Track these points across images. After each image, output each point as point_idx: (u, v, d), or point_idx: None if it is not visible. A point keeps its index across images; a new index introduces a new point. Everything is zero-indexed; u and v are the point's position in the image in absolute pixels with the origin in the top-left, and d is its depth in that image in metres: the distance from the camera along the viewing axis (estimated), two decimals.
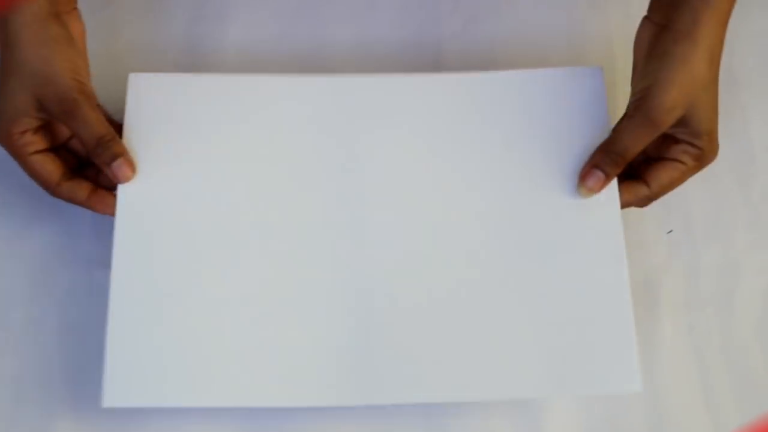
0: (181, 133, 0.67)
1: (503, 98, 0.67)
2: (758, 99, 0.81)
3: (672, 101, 0.64)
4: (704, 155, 0.67)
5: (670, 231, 0.75)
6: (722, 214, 0.76)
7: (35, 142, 0.66)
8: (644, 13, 0.70)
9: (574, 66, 0.70)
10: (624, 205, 0.68)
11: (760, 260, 0.75)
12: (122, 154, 0.65)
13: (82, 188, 0.67)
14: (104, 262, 0.71)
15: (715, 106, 0.66)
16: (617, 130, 0.67)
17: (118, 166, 0.65)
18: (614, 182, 0.67)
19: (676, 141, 0.67)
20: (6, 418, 0.66)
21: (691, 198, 0.76)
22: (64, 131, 0.68)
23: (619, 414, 0.69)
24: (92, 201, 0.67)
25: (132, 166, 0.66)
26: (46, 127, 0.67)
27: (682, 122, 0.65)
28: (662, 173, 0.68)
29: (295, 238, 0.63)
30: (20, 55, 0.64)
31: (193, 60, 0.77)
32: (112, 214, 0.66)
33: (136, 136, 0.67)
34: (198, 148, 0.66)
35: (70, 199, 0.67)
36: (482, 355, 0.60)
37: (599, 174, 0.66)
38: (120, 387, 0.60)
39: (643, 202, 0.69)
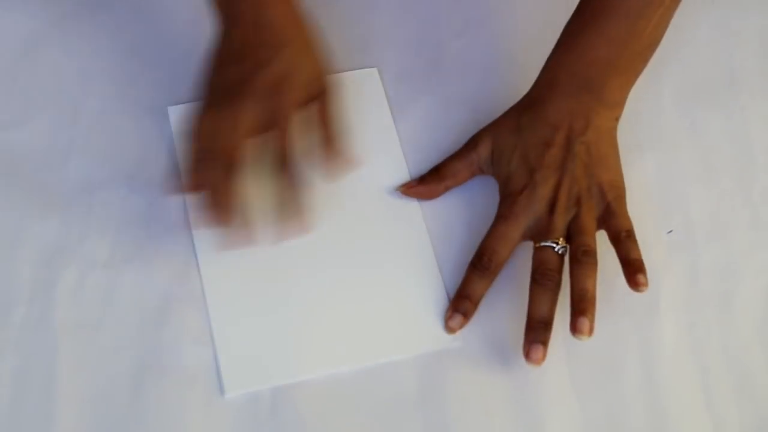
0: None
1: None
2: (758, 99, 0.81)
3: (481, 133, 0.74)
4: (503, 194, 0.72)
5: (670, 231, 0.75)
6: (722, 214, 0.76)
7: None
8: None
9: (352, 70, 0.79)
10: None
11: (760, 260, 0.75)
12: None
13: None
14: (104, 262, 0.72)
15: (521, 152, 0.72)
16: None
17: None
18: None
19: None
20: (6, 417, 0.66)
21: (691, 198, 0.77)
22: None
23: (619, 414, 0.69)
24: None
25: None
26: None
27: (492, 159, 0.73)
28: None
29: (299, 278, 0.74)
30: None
31: (193, 60, 0.77)
32: None
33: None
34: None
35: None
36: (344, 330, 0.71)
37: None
38: (234, 377, 0.68)
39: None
